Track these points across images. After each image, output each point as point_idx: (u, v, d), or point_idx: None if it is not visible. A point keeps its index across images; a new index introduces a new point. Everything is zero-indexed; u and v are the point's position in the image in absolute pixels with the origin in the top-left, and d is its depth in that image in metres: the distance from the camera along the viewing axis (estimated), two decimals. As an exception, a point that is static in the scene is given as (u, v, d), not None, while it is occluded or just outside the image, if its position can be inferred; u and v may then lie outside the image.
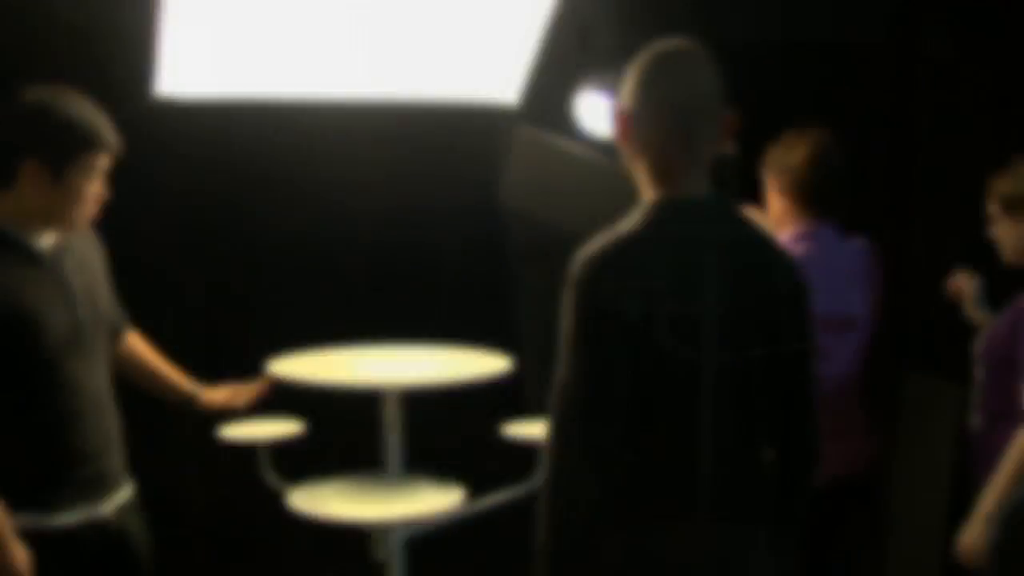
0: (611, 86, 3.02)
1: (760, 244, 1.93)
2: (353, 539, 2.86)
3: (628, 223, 1.86)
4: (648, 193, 1.91)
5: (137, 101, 2.65)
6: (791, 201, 2.89)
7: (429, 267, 3.86)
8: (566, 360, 1.82)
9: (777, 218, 2.94)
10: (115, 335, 2.57)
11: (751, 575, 1.96)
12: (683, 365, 1.82)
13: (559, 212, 2.99)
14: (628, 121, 1.89)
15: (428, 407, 2.87)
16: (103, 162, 2.32)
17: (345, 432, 3.19)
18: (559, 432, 1.82)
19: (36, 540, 2.22)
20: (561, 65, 3.28)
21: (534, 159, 3.05)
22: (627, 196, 1.95)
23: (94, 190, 2.32)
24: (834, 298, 2.83)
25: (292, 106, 3.06)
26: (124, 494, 2.46)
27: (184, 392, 2.72)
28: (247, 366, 2.79)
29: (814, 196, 2.86)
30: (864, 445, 3.00)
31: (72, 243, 2.41)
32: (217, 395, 2.73)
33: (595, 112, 3.10)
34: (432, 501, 2.60)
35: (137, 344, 2.69)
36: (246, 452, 2.75)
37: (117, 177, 2.38)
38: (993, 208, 2.76)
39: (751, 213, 2.96)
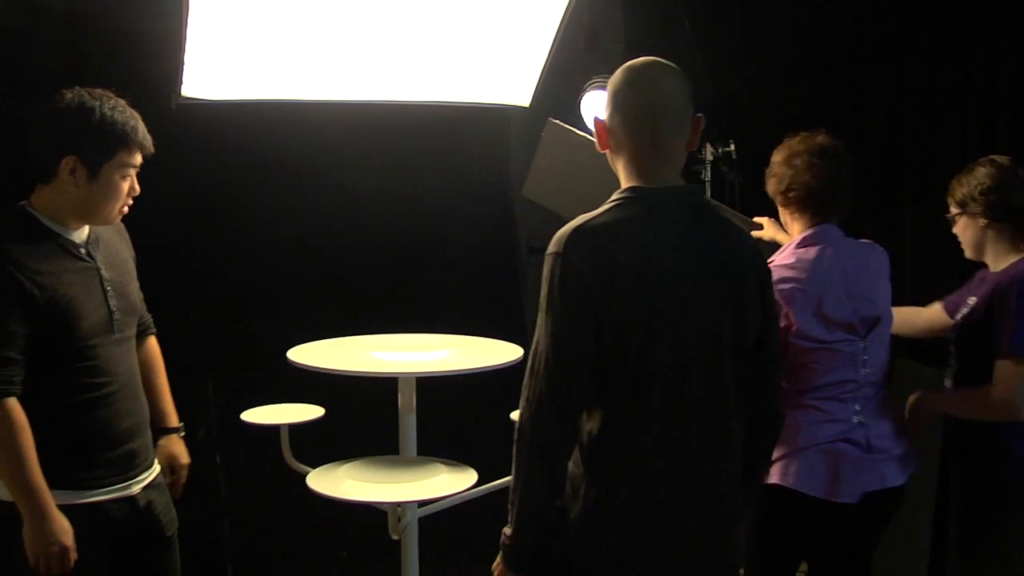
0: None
1: (724, 227, 2.10)
2: (369, 519, 2.95)
3: (602, 207, 2.04)
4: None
5: (163, 103, 2.73)
6: (780, 205, 2.87)
7: (443, 261, 3.93)
8: (538, 323, 1.99)
9: (784, 223, 2.91)
10: (141, 333, 2.64)
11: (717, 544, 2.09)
12: (643, 338, 1.96)
13: (581, 204, 3.05)
14: (605, 128, 2.11)
15: (441, 394, 2.95)
16: (137, 160, 2.42)
17: (362, 417, 3.28)
18: (529, 387, 1.98)
19: (68, 515, 2.31)
20: (569, 66, 3.37)
21: (563, 152, 3.11)
22: None
23: (127, 186, 2.42)
24: (861, 301, 2.74)
25: (312, 108, 3.13)
26: (152, 473, 2.55)
27: (161, 420, 2.68)
28: (270, 355, 2.85)
29: (792, 197, 2.77)
30: None
31: (103, 235, 2.51)
32: (164, 459, 2.68)
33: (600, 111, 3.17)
34: (445, 482, 2.65)
35: (151, 352, 2.72)
36: (269, 435, 2.82)
37: (145, 175, 2.47)
38: (952, 208, 2.86)
39: (764, 223, 3.02)
